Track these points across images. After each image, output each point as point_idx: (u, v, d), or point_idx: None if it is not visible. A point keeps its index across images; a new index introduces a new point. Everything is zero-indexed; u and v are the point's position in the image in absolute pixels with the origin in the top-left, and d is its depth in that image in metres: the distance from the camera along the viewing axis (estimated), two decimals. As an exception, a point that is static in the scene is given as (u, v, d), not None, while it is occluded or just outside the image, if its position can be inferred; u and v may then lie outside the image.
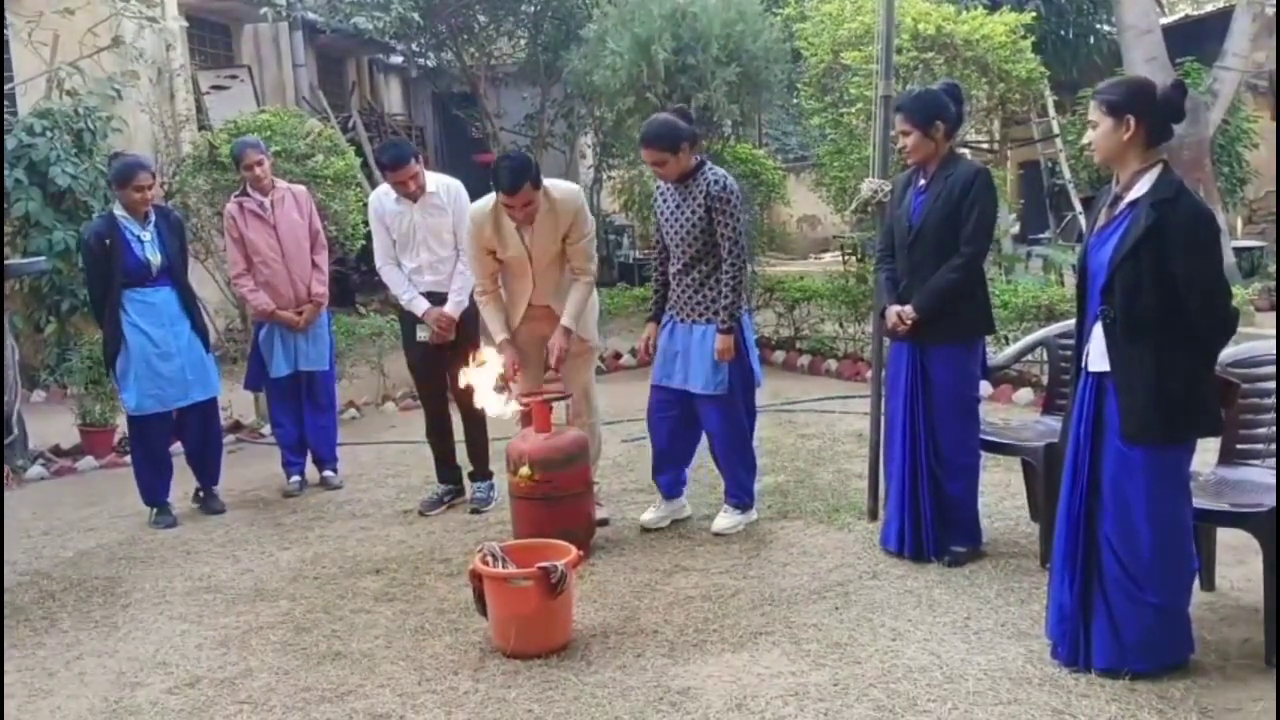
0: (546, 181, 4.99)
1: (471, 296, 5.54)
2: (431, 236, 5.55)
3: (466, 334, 5.68)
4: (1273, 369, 3.98)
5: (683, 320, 5.05)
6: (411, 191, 5.47)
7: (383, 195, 5.62)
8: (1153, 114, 3.40)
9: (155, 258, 5.65)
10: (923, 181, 4.55)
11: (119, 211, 5.66)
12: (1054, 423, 4.65)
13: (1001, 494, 5.39)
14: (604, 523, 5.27)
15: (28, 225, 9.11)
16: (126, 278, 5.60)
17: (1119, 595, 3.50)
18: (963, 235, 4.44)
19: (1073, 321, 3.78)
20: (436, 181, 5.58)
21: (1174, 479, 3.48)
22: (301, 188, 6.51)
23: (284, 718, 3.62)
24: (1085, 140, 3.56)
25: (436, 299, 5.57)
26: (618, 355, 9.47)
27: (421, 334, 5.59)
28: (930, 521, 4.59)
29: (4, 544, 5.15)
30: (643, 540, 5.09)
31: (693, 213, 4.92)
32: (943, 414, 4.54)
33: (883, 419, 4.90)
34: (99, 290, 5.69)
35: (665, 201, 5.05)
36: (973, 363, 4.64)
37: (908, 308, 4.52)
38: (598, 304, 5.55)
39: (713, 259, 4.96)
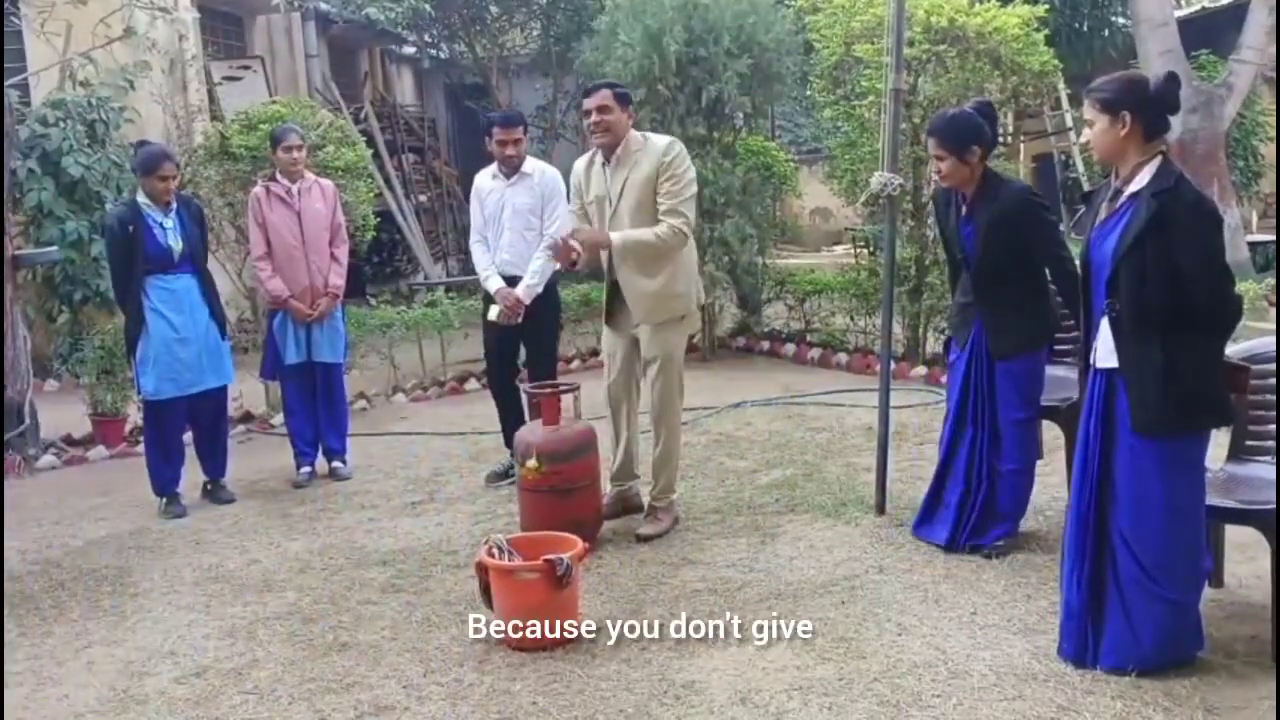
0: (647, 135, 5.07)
1: (549, 285, 5.69)
2: (516, 217, 5.67)
3: (541, 323, 5.78)
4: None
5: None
6: (511, 155, 5.64)
7: (483, 174, 5.84)
8: (1148, 108, 3.40)
9: (177, 244, 5.72)
10: (964, 208, 4.47)
11: (141, 198, 5.72)
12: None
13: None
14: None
15: (40, 215, 9.15)
16: (149, 264, 5.67)
17: (1135, 592, 3.49)
18: (1051, 272, 4.39)
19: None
20: (534, 164, 5.76)
21: (1189, 468, 3.48)
22: (329, 182, 6.60)
23: (290, 708, 3.64)
24: (1083, 139, 3.56)
25: (513, 282, 5.67)
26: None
27: (491, 313, 5.71)
28: (979, 510, 4.56)
29: (2, 537, 5.17)
30: (650, 533, 5.09)
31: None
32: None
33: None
34: (121, 275, 5.76)
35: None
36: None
37: None
38: (694, 267, 5.13)
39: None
